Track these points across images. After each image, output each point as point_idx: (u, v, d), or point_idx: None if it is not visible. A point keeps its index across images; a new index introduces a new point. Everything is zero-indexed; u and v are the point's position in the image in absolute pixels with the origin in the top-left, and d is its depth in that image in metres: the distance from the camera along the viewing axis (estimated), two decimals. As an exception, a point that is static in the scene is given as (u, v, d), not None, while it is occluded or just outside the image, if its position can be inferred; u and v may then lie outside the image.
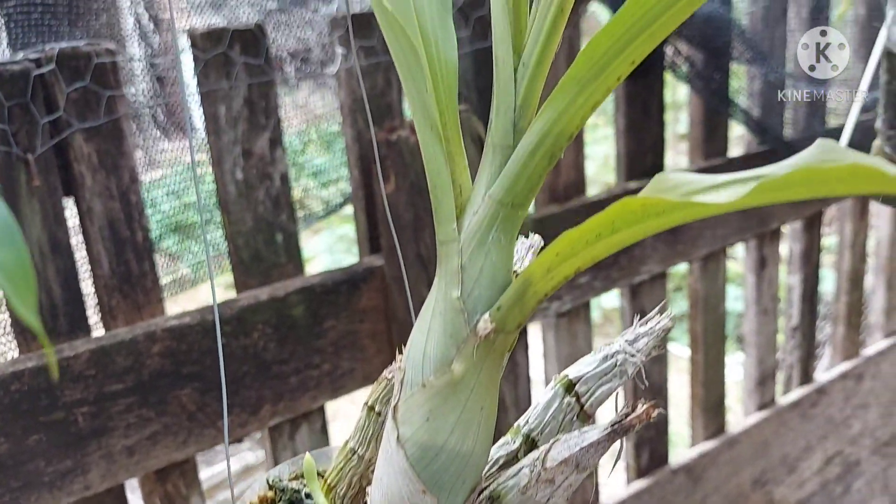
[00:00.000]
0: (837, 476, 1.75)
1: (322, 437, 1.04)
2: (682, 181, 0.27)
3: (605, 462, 0.34)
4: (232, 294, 0.97)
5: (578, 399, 0.35)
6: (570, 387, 0.36)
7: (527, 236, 0.37)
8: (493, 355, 0.30)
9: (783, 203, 1.47)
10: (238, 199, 0.94)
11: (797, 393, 1.69)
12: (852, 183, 0.23)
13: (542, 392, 0.38)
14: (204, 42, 0.88)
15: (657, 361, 1.41)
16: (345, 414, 2.45)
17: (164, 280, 0.97)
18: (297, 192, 1.09)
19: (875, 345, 1.85)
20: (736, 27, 1.30)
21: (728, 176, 0.28)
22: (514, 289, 0.28)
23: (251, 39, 0.91)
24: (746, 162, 1.42)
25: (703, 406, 1.54)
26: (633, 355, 0.35)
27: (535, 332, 1.37)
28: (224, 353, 0.92)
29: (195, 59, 0.88)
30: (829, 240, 2.61)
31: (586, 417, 0.35)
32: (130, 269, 0.89)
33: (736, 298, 2.70)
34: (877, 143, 0.64)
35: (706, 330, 1.50)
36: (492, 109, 0.30)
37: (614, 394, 0.35)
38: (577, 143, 1.25)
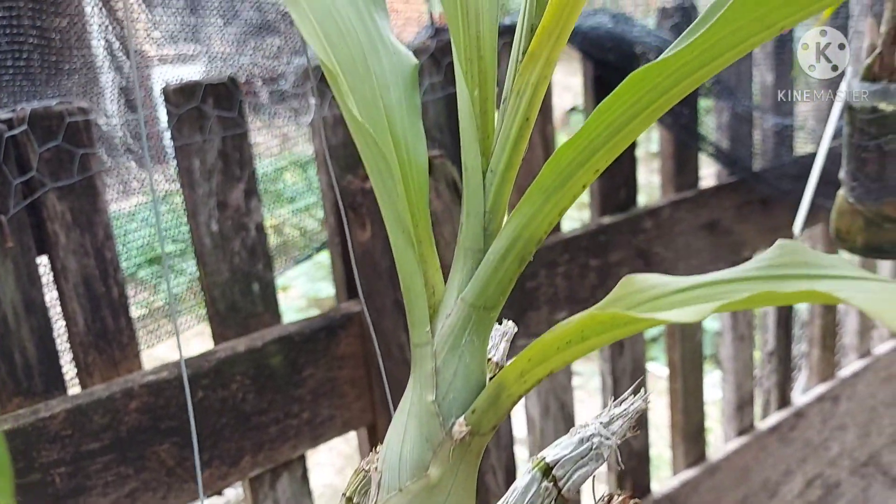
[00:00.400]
0: (819, 498, 1.76)
1: (303, 484, 1.04)
2: (648, 285, 0.28)
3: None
4: (210, 344, 0.97)
5: (556, 483, 0.36)
6: (547, 471, 0.36)
7: (500, 322, 0.38)
8: (468, 457, 0.30)
9: (754, 229, 1.49)
10: (214, 251, 0.94)
11: (775, 417, 1.70)
12: (807, 299, 0.24)
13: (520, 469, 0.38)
14: (177, 97, 0.89)
15: (637, 371, 1.41)
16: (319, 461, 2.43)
17: (141, 332, 0.96)
18: (273, 221, 1.09)
19: (850, 366, 1.88)
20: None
21: (693, 281, 0.28)
22: (488, 392, 0.29)
23: (224, 93, 0.91)
24: (717, 193, 1.44)
25: (683, 434, 1.55)
26: (608, 438, 0.36)
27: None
28: (202, 405, 0.91)
29: (169, 114, 0.89)
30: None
31: (564, 502, 0.36)
32: (106, 326, 0.89)
33: (712, 318, 2.73)
34: (840, 193, 0.65)
35: (684, 358, 1.51)
36: (462, 213, 0.31)
37: (591, 477, 0.36)
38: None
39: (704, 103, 1.39)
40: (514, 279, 0.30)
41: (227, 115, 0.92)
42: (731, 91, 1.35)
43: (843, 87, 0.64)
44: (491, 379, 0.31)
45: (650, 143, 4.12)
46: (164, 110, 0.90)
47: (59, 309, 0.88)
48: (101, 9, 1.07)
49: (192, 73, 1.13)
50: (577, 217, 3.56)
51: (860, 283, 0.26)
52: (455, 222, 0.99)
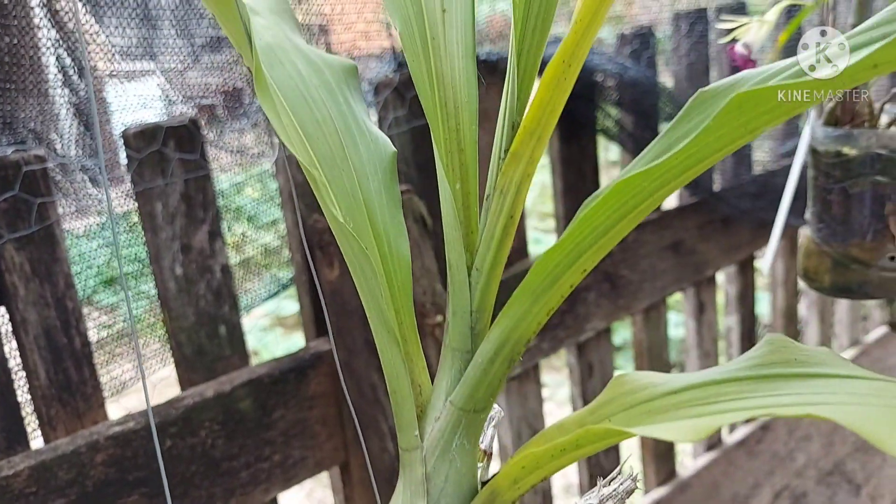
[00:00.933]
0: (785, 509, 1.79)
1: (276, 527, 1.02)
2: (638, 386, 0.28)
3: None
4: (176, 389, 0.95)
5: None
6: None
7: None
8: (462, 564, 0.30)
9: (716, 248, 1.51)
10: (178, 295, 0.92)
11: (742, 431, 1.72)
12: (807, 417, 0.24)
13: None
14: (137, 141, 0.87)
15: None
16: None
17: (104, 379, 0.94)
18: (233, 239, 1.06)
19: (812, 376, 1.91)
20: (662, 88, 1.34)
21: (684, 382, 0.28)
22: (481, 499, 0.28)
23: (185, 135, 0.90)
24: (679, 214, 1.46)
25: (654, 453, 1.56)
26: (597, 521, 0.35)
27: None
28: (171, 454, 0.89)
29: (129, 158, 0.87)
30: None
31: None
32: (69, 377, 0.86)
33: (676, 325, 2.77)
34: (807, 233, 0.66)
35: (651, 378, 1.52)
36: (447, 311, 0.30)
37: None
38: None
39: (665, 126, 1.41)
40: (504, 380, 0.29)
41: (189, 157, 0.90)
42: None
43: (806, 130, 0.65)
44: (481, 477, 0.31)
45: (609, 151, 4.16)
46: (124, 153, 0.88)
47: (19, 361, 0.85)
48: (50, 24, 1.05)
49: (147, 88, 1.11)
50: (544, 240, 3.58)
51: (853, 384, 0.26)
52: (424, 258, 0.99)
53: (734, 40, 0.67)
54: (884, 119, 0.62)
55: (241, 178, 1.08)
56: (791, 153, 1.66)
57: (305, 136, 0.33)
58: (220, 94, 1.10)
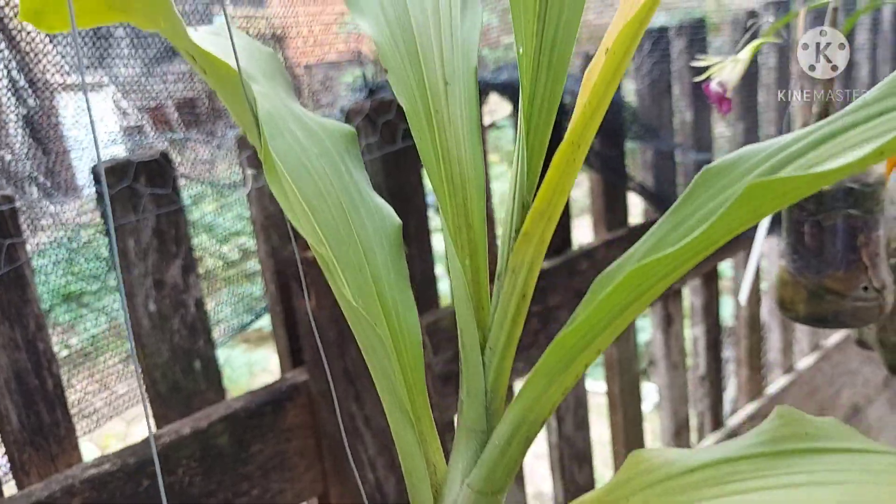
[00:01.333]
0: (753, 514, 1.82)
1: (255, 561, 1.01)
2: (654, 465, 0.28)
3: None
4: (151, 425, 0.93)
5: None
6: None
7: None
8: None
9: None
10: (152, 332, 0.91)
11: (710, 439, 1.75)
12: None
13: None
14: (108, 178, 0.85)
15: (579, 406, 1.42)
16: None
17: (76, 419, 0.92)
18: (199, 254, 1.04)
19: (776, 382, 1.95)
20: (626, 106, 1.36)
21: (699, 460, 0.29)
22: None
23: (157, 169, 0.89)
24: (646, 229, 1.47)
25: (625, 465, 1.57)
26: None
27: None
28: (148, 494, 0.88)
29: (99, 195, 0.85)
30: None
31: None
32: (42, 420, 0.84)
33: (643, 329, 2.82)
34: (782, 264, 0.68)
35: (623, 391, 1.54)
36: (461, 391, 0.30)
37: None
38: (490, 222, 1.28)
39: (630, 144, 1.43)
40: (521, 460, 0.29)
41: (161, 191, 0.89)
42: (654, 131, 1.39)
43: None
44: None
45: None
46: (94, 189, 0.86)
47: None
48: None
49: (101, 101, 1.08)
50: (498, 218, 3.59)
51: (865, 460, 0.27)
52: (400, 287, 0.99)
53: (709, 79, 0.68)
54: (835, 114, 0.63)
55: (211, 206, 1.07)
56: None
57: (310, 210, 0.33)
58: (175, 106, 1.08)
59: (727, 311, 2.23)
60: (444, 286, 1.23)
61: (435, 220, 1.79)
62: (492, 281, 0.32)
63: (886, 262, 0.64)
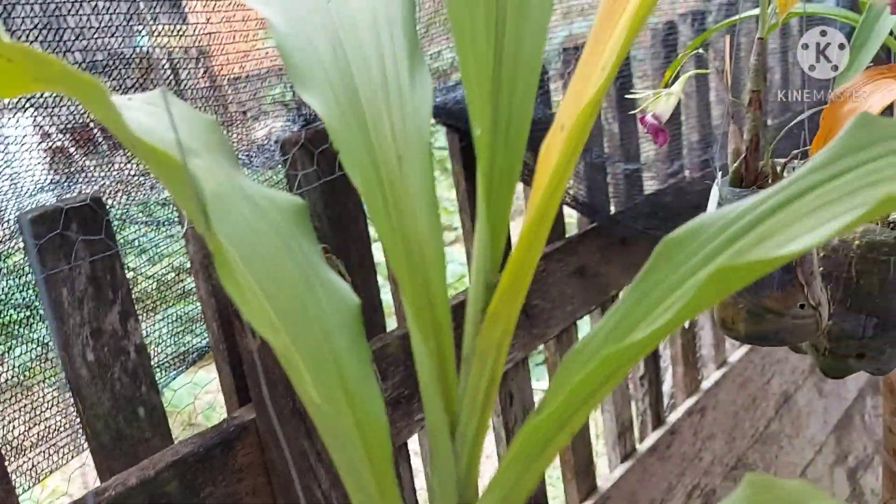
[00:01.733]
0: (699, 507, 1.87)
1: None
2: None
3: None
4: (93, 475, 0.90)
5: None
6: None
7: None
8: None
9: (618, 268, 1.56)
10: (92, 382, 0.88)
11: (653, 437, 1.79)
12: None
13: None
14: (36, 227, 0.82)
15: (526, 404, 1.44)
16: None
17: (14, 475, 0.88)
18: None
19: (711, 377, 2.01)
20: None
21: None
22: None
23: (89, 214, 0.86)
24: (582, 240, 1.50)
25: (574, 470, 1.60)
26: None
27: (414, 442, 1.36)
28: (96, 550, 0.85)
29: (26, 245, 0.82)
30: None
31: None
32: (-22, 484, 0.81)
33: (585, 331, 2.86)
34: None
35: (567, 399, 1.56)
36: (433, 481, 0.30)
37: None
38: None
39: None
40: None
41: (94, 237, 0.86)
42: (585, 145, 1.41)
43: (714, 189, 0.69)
44: None
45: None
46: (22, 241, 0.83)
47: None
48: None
49: (24, 125, 1.04)
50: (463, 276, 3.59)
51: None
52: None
53: (643, 111, 0.70)
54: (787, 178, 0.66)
55: (149, 247, 1.04)
56: (676, 173, 1.74)
57: (265, 296, 0.32)
58: (100, 126, 1.05)
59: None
60: (388, 303, 1.22)
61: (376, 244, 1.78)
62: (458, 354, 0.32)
63: (820, 279, 0.67)
